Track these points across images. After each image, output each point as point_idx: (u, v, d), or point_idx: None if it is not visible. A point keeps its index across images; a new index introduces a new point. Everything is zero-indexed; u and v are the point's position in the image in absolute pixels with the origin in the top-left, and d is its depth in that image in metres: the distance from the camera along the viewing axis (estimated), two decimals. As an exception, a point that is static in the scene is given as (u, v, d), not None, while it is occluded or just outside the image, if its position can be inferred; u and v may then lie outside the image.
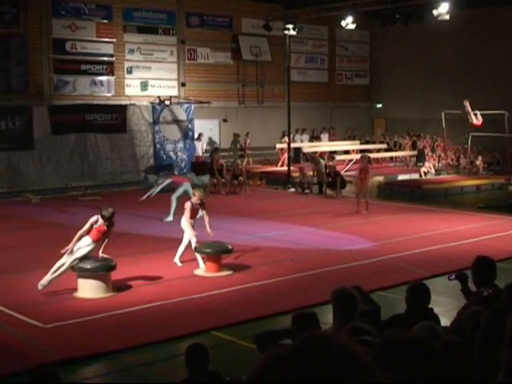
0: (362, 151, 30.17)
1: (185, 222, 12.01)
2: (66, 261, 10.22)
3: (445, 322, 5.97)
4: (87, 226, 10.35)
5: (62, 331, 8.80)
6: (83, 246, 10.25)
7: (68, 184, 21.73)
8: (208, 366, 5.54)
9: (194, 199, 12.04)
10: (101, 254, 10.49)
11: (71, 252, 10.23)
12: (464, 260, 12.19)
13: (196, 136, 26.41)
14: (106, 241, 10.54)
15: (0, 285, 10.94)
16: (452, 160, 29.97)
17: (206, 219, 12.05)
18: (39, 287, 10.14)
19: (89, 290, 10.23)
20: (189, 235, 11.90)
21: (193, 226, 12.02)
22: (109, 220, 10.39)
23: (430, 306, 5.97)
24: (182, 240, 12.10)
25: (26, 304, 9.79)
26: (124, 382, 7.56)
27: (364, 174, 17.91)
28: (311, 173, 22.98)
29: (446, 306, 9.07)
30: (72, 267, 10.29)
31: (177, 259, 12.06)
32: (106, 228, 10.39)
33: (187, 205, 12.03)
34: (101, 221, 10.35)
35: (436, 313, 5.94)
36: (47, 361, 7.72)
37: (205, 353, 5.55)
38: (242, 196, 21.25)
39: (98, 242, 10.39)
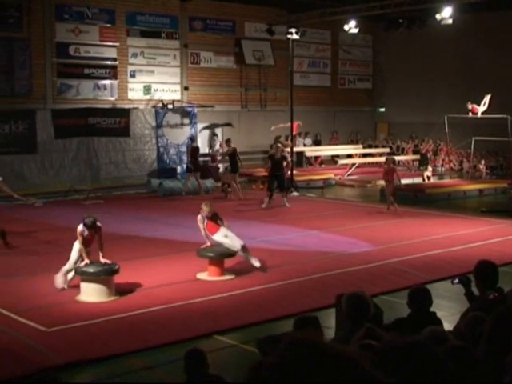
0: (364, 155, 30.25)
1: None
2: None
3: (448, 326, 5.95)
4: (80, 238, 10.52)
5: (64, 335, 8.79)
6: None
7: (71, 187, 21.71)
8: (207, 370, 5.56)
9: (203, 213, 11.81)
10: (102, 260, 10.50)
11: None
12: (467, 264, 12.15)
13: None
14: (101, 248, 10.60)
15: (3, 288, 10.95)
16: (455, 164, 29.95)
17: (226, 224, 11.94)
18: None
19: (91, 293, 10.23)
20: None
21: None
22: (92, 227, 10.49)
23: (433, 310, 5.96)
24: None
25: (29, 307, 9.79)
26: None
27: (391, 176, 18.87)
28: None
29: (449, 311, 9.05)
30: (75, 271, 10.42)
31: None
32: (90, 235, 10.53)
33: (198, 217, 11.84)
34: (82, 227, 10.52)
35: (439, 317, 5.93)
36: (49, 364, 7.71)
37: (202, 358, 5.59)
38: (244, 200, 21.19)
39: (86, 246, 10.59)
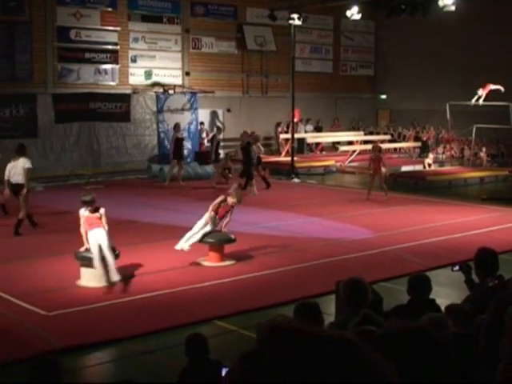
0: (366, 142, 30.19)
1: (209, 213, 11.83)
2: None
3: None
4: (82, 220, 10.38)
5: (64, 319, 8.82)
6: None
7: (72, 172, 21.69)
8: (208, 355, 5.59)
9: (231, 200, 11.70)
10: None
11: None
12: (467, 251, 12.15)
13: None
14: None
15: (4, 272, 10.97)
16: (456, 152, 29.91)
17: (226, 221, 11.91)
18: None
19: (92, 278, 10.23)
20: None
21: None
22: (90, 203, 10.32)
23: (433, 297, 5.97)
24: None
25: (30, 292, 9.81)
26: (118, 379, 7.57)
27: (377, 164, 18.61)
28: None
29: (448, 298, 9.03)
30: (75, 256, 10.39)
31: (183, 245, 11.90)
32: (92, 215, 10.34)
33: (221, 197, 11.78)
34: (84, 210, 10.35)
35: (439, 304, 5.93)
36: (49, 348, 7.74)
37: (203, 342, 5.64)
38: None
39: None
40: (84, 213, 10.34)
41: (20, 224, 13.83)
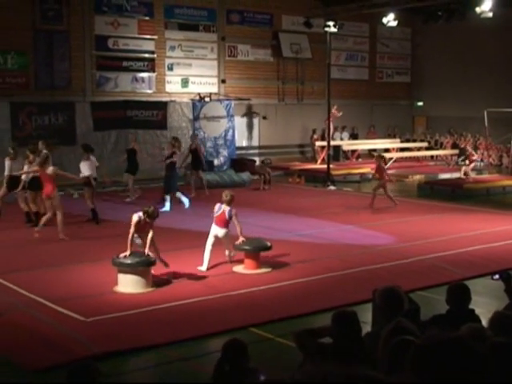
0: (402, 149, 30.02)
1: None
2: None
3: (486, 323, 5.88)
4: (132, 228, 10.61)
5: (102, 325, 8.90)
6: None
7: (111, 178, 21.77)
8: (247, 362, 5.51)
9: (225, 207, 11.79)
10: (147, 251, 10.61)
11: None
12: (506, 260, 12.05)
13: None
14: (150, 236, 10.66)
15: (42, 278, 11.11)
16: (494, 160, 29.55)
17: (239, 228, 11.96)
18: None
19: (129, 284, 10.33)
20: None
21: None
22: (151, 216, 10.64)
23: (472, 307, 5.89)
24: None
25: (68, 297, 9.92)
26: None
27: (380, 173, 18.67)
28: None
29: (486, 307, 8.92)
30: (113, 262, 10.51)
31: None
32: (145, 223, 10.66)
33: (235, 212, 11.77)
34: (137, 216, 10.70)
35: (478, 314, 5.86)
36: (88, 353, 7.81)
37: (243, 349, 5.53)
38: (280, 193, 21.22)
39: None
40: (137, 219, 10.61)
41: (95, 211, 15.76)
